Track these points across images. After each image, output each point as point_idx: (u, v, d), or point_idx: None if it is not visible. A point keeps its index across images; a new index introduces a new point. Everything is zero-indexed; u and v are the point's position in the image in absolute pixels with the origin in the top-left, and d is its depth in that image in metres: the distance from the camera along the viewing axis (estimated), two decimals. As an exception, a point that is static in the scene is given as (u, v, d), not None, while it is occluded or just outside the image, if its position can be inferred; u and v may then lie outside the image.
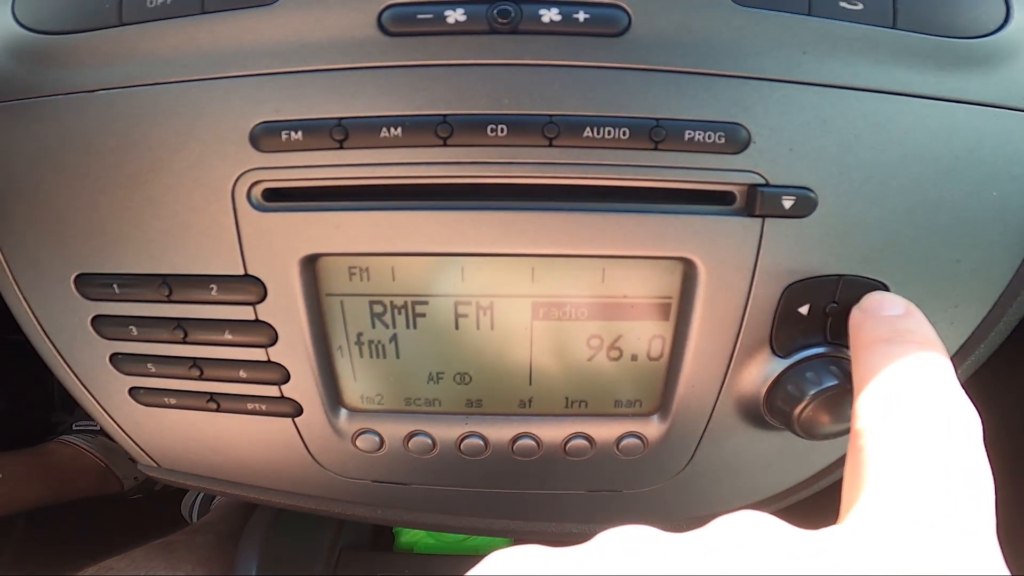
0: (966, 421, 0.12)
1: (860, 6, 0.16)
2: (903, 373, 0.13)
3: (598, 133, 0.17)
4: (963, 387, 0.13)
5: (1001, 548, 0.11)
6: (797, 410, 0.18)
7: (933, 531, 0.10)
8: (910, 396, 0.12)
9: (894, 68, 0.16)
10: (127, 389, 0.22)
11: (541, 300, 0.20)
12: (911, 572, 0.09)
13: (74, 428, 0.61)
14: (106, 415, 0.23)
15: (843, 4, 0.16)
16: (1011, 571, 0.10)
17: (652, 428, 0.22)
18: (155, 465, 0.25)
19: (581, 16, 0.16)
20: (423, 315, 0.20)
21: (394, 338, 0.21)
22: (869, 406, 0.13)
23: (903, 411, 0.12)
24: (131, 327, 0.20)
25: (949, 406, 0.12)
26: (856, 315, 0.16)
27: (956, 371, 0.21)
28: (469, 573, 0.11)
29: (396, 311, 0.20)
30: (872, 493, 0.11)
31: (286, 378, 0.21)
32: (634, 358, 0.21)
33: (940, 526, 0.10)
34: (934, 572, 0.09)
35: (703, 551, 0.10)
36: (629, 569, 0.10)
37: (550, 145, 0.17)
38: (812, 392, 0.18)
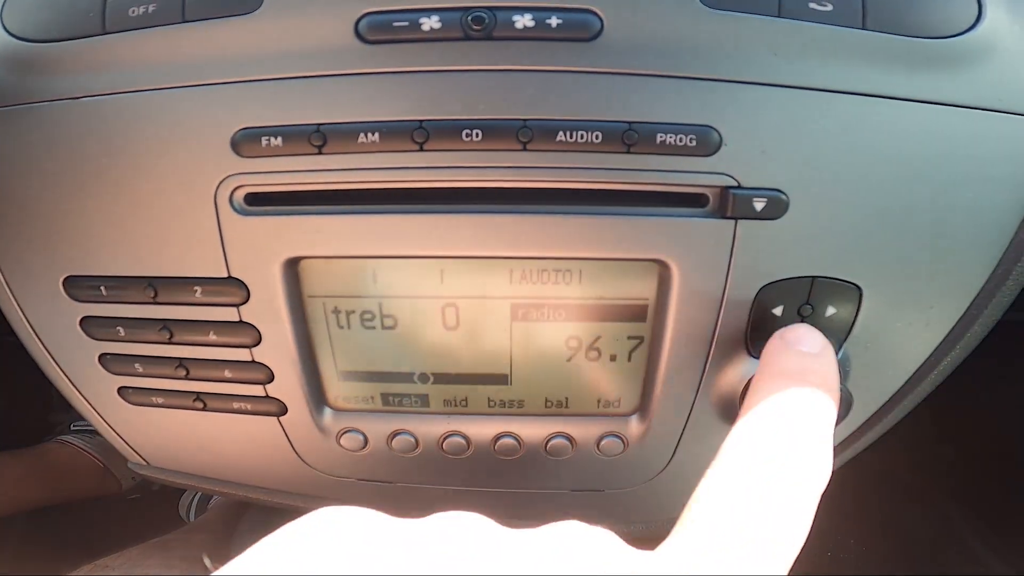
0: (817, 476, 0.12)
1: (829, 7, 0.16)
2: (785, 415, 0.13)
3: (571, 137, 0.17)
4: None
5: (995, 545, 0.11)
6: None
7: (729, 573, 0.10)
8: (779, 440, 0.13)
9: (864, 69, 0.16)
10: (116, 388, 0.23)
11: (520, 301, 0.20)
12: None
13: (72, 428, 0.62)
14: (96, 414, 0.24)
15: (812, 5, 0.16)
16: (1002, 569, 0.10)
17: (632, 428, 0.22)
18: (145, 463, 0.26)
19: (554, 21, 0.16)
20: (404, 316, 0.21)
21: (376, 339, 0.21)
22: (740, 433, 0.13)
23: (765, 452, 0.12)
24: (118, 328, 0.21)
25: (809, 459, 0.12)
26: (775, 342, 0.16)
27: (932, 372, 0.21)
28: (296, 522, 0.11)
29: (377, 312, 0.21)
30: (700, 522, 0.11)
31: (270, 378, 0.21)
32: (612, 358, 0.21)
33: (738, 571, 0.10)
34: None
35: (525, 555, 0.10)
36: (452, 562, 0.10)
37: (524, 149, 0.17)
38: (785, 392, 0.18)
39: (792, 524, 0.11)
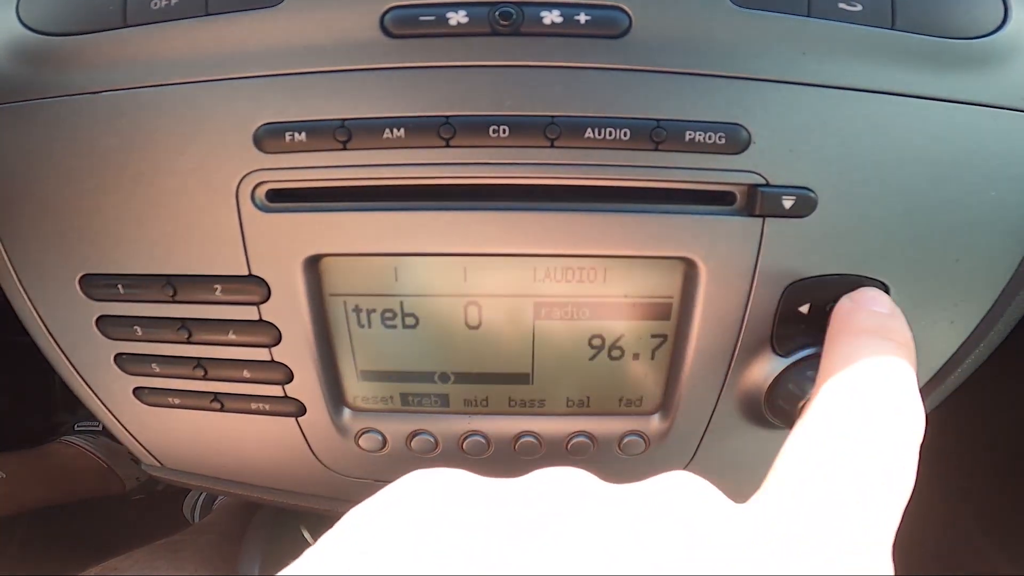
0: (913, 428, 0.12)
1: (859, 7, 0.16)
2: (875, 368, 0.13)
3: (599, 134, 0.17)
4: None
5: (1003, 545, 0.11)
6: (798, 408, 0.19)
7: (838, 530, 0.10)
8: (873, 392, 0.13)
9: (893, 69, 0.17)
10: (131, 389, 0.22)
11: (543, 300, 0.20)
12: (794, 566, 0.10)
13: (76, 429, 0.61)
14: (110, 415, 0.23)
15: (842, 5, 0.16)
16: (1009, 569, 0.11)
17: (654, 426, 0.22)
18: (159, 465, 0.25)
19: (582, 18, 0.16)
20: (426, 315, 0.20)
21: (397, 338, 0.21)
22: (833, 388, 0.13)
23: (861, 405, 0.12)
24: (136, 327, 0.20)
25: (903, 411, 0.12)
26: (846, 304, 0.16)
27: (956, 370, 0.21)
28: (392, 485, 0.11)
29: (399, 311, 0.20)
30: (801, 478, 0.11)
31: (290, 378, 0.21)
32: (636, 357, 0.21)
33: (846, 527, 0.10)
34: (816, 572, 0.10)
35: (630, 506, 0.10)
36: (555, 512, 0.10)
37: (552, 146, 0.17)
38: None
39: (892, 484, 0.11)
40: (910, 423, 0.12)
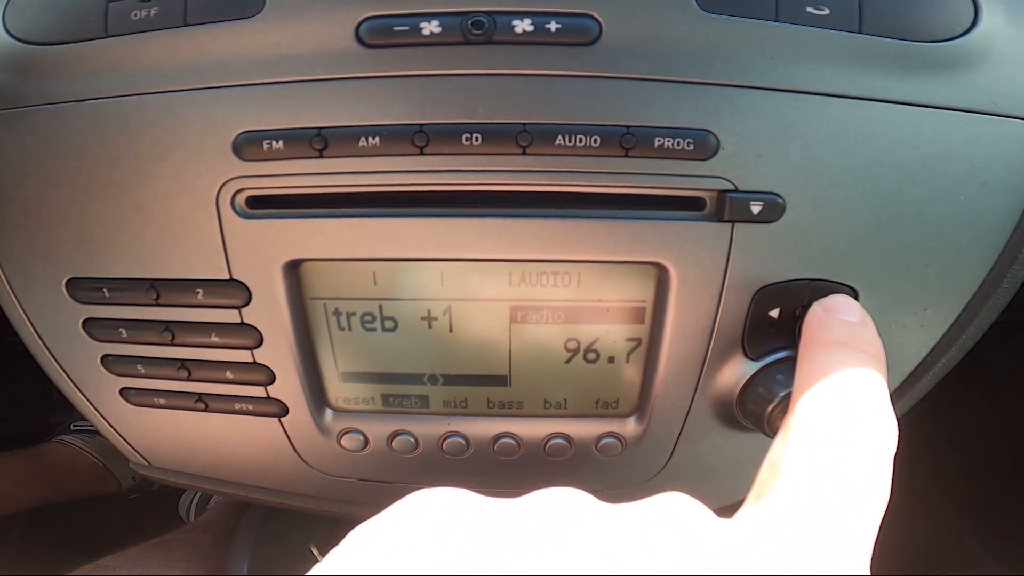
0: (887, 439, 0.13)
1: (827, 11, 0.16)
2: (847, 382, 0.14)
3: (570, 141, 0.17)
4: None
5: (992, 546, 0.11)
6: (767, 411, 0.19)
7: (819, 539, 0.11)
8: (846, 407, 0.13)
9: (861, 73, 0.17)
10: (118, 389, 0.23)
11: (519, 304, 0.20)
12: (791, 568, 0.10)
13: (72, 428, 0.62)
14: (98, 415, 0.24)
15: (810, 9, 0.16)
16: (999, 570, 0.11)
17: (630, 428, 0.22)
18: (146, 463, 0.26)
19: (553, 26, 0.16)
20: (404, 318, 0.21)
21: (376, 340, 0.21)
22: (808, 405, 0.13)
23: (835, 420, 0.13)
24: (121, 329, 0.21)
25: (876, 423, 0.13)
26: (817, 311, 0.16)
27: (927, 374, 0.21)
28: (395, 504, 0.11)
29: (378, 314, 0.21)
30: (781, 492, 0.12)
31: (272, 379, 0.21)
32: (611, 360, 0.21)
33: (827, 536, 0.11)
34: (812, 573, 0.10)
35: (623, 524, 0.11)
36: (554, 531, 0.10)
37: (524, 153, 0.17)
38: (782, 394, 0.18)
39: (875, 488, 0.12)
40: (886, 432, 0.13)
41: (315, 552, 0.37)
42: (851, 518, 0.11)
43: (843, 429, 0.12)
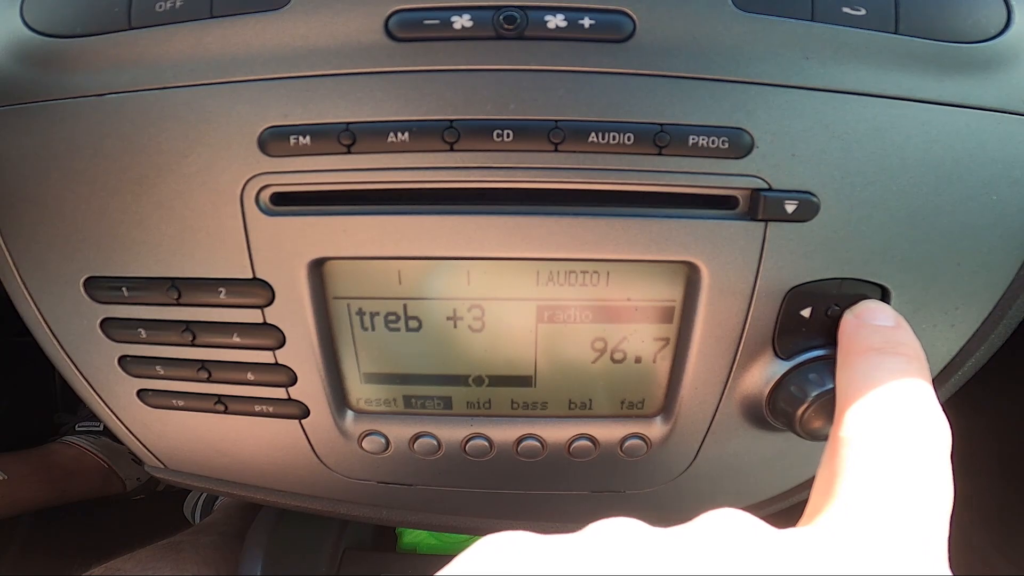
0: (941, 438, 0.13)
1: (863, 11, 0.16)
2: (891, 387, 0.13)
3: (603, 138, 0.17)
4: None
5: (1002, 546, 0.11)
6: (799, 411, 0.19)
7: (894, 541, 0.11)
8: (895, 412, 0.13)
9: (896, 73, 0.17)
10: (135, 391, 0.22)
11: (546, 303, 0.20)
12: (869, 573, 0.10)
13: (77, 429, 0.61)
14: (114, 417, 0.23)
15: (846, 9, 0.16)
16: (1008, 570, 0.11)
17: (655, 429, 0.22)
18: (162, 466, 0.25)
19: (586, 22, 0.16)
20: (429, 318, 0.20)
21: (400, 341, 0.21)
22: (855, 416, 0.13)
23: (886, 427, 0.13)
24: (140, 330, 0.21)
25: (927, 423, 0.13)
26: (850, 320, 0.16)
27: (956, 373, 0.21)
28: (464, 553, 0.11)
29: (402, 314, 0.20)
30: (846, 501, 0.12)
31: (293, 380, 0.21)
32: (638, 360, 0.21)
33: (901, 537, 0.11)
34: (889, 574, 0.10)
35: (686, 548, 0.11)
36: (617, 563, 0.10)
37: (555, 150, 0.17)
38: (815, 393, 0.18)
39: (938, 487, 0.12)
40: (939, 433, 0.13)
41: None
42: (920, 519, 0.11)
43: (895, 435, 0.12)
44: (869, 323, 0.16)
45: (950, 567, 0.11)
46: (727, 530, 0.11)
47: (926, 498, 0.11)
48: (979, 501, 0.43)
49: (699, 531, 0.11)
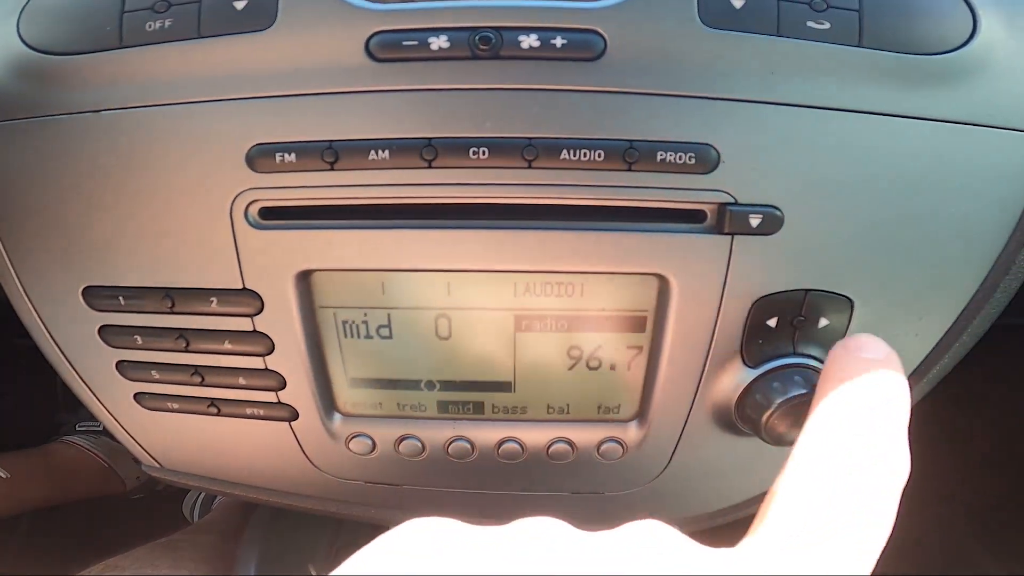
0: (895, 474, 0.12)
1: (827, 25, 0.16)
2: (859, 418, 0.13)
3: (574, 155, 0.17)
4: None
5: (990, 547, 0.11)
6: (764, 417, 0.19)
7: (812, 555, 0.11)
8: (857, 442, 0.13)
9: (860, 86, 0.17)
10: (132, 394, 0.23)
11: (523, 313, 0.21)
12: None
13: (77, 428, 0.62)
14: (112, 419, 0.24)
15: (810, 24, 0.17)
16: (995, 570, 0.11)
17: (631, 433, 0.23)
18: (158, 466, 0.26)
19: (559, 41, 0.17)
20: (412, 326, 0.21)
21: (385, 348, 0.22)
22: (817, 438, 0.13)
23: (845, 455, 0.12)
24: (136, 336, 0.21)
25: (885, 458, 0.12)
26: (838, 351, 0.15)
27: (920, 382, 0.22)
28: (387, 533, 0.12)
29: (386, 322, 0.21)
30: (773, 523, 0.12)
31: (282, 385, 0.22)
32: (612, 367, 0.22)
33: (820, 556, 0.11)
34: None
35: (600, 552, 0.11)
36: (532, 559, 0.11)
37: (529, 167, 0.18)
38: (779, 401, 0.19)
39: (877, 520, 0.11)
40: (895, 469, 0.12)
41: (313, 573, 0.38)
42: (843, 556, 0.11)
43: (845, 461, 0.12)
44: (855, 354, 0.15)
45: (942, 568, 0.11)
46: (644, 540, 0.11)
47: (858, 534, 0.11)
48: (969, 502, 0.44)
49: (617, 539, 0.11)
